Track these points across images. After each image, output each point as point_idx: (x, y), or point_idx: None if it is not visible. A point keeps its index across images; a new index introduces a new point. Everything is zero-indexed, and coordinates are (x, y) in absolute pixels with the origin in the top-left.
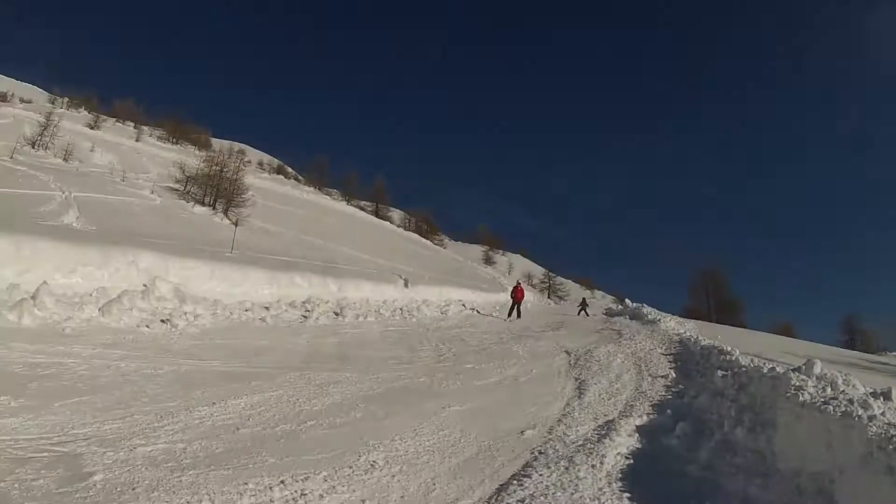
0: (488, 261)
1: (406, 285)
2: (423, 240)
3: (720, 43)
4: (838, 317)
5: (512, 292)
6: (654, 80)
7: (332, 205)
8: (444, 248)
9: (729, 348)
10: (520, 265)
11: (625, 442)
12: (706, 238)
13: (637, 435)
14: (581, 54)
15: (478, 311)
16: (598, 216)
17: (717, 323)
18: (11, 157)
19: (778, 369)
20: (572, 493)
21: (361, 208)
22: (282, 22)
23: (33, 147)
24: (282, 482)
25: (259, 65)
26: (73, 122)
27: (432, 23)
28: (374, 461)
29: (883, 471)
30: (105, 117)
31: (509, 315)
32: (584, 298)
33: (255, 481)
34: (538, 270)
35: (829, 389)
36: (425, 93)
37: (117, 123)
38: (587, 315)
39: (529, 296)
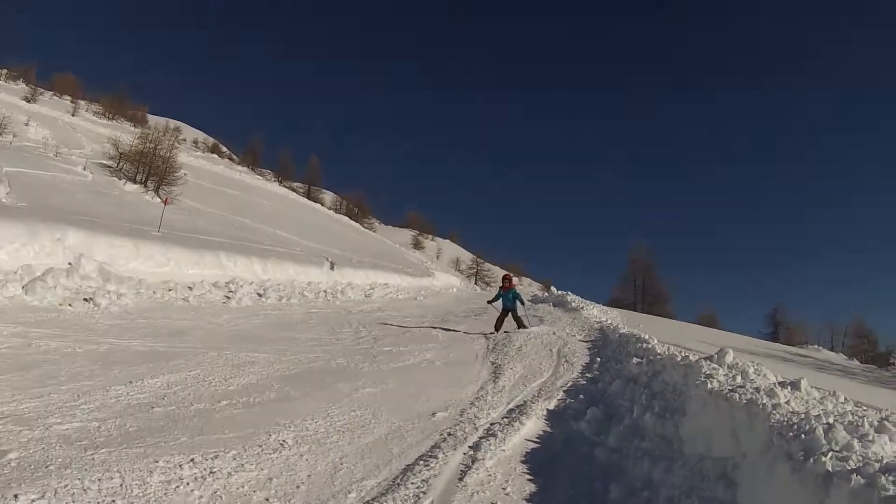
0: (417, 245)
1: (332, 268)
2: (354, 223)
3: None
4: (766, 310)
5: (510, 283)
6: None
7: (265, 185)
8: (374, 231)
9: (647, 336)
10: (449, 251)
11: (535, 425)
12: (637, 227)
13: (548, 418)
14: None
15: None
16: (529, 202)
17: (644, 313)
18: None
19: (691, 357)
20: (478, 474)
21: (294, 189)
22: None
23: None
24: (192, 460)
25: (201, 42)
26: (9, 95)
27: None
28: (283, 440)
29: (782, 457)
30: (43, 91)
31: (496, 327)
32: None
33: (166, 459)
34: (467, 256)
35: (738, 378)
36: (363, 69)
37: (55, 97)
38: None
39: (455, 280)
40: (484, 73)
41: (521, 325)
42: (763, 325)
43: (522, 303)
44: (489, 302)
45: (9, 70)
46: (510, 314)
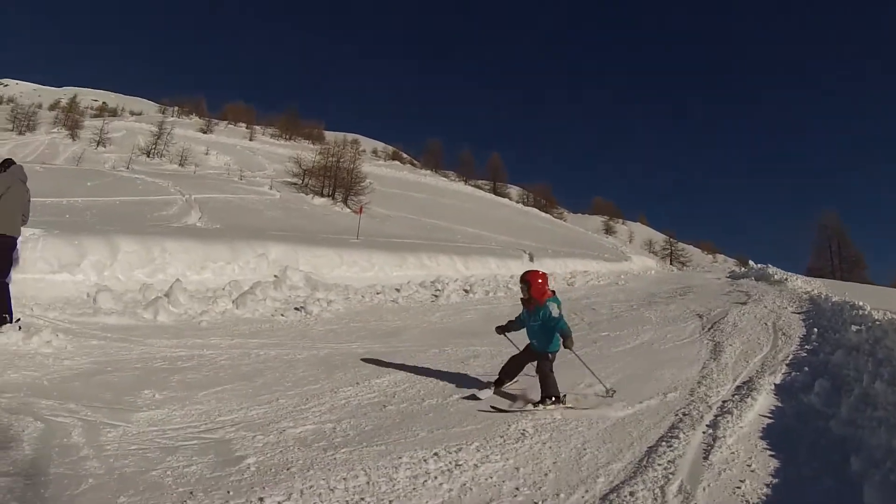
0: (608, 231)
1: (531, 259)
2: (543, 214)
3: None
4: None
5: (528, 294)
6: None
7: (450, 186)
8: (564, 220)
9: (860, 303)
10: (640, 233)
11: (766, 401)
12: (821, 188)
13: (776, 393)
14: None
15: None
16: (714, 176)
17: (842, 280)
18: (128, 168)
19: None
20: (721, 452)
21: (479, 187)
22: (383, 8)
23: (148, 156)
24: (435, 454)
25: (366, 56)
26: (185, 129)
27: None
28: (524, 430)
29: None
30: (216, 121)
31: (500, 378)
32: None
33: (410, 455)
34: (659, 237)
35: None
36: (535, 66)
37: (229, 125)
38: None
39: (651, 262)
40: (658, 60)
41: (545, 386)
42: None
43: (564, 333)
44: (500, 329)
45: (180, 106)
46: (538, 359)
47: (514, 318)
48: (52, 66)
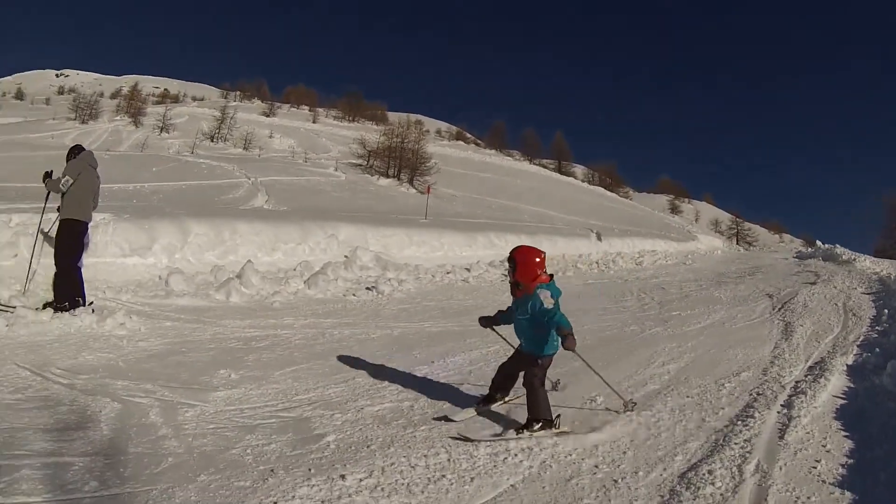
0: (674, 210)
1: (599, 238)
2: (609, 193)
3: None
4: None
5: (515, 280)
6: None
7: (515, 165)
8: (630, 199)
9: None
10: (706, 212)
11: (838, 381)
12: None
13: (848, 374)
14: None
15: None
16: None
17: None
18: (193, 152)
19: None
20: (797, 433)
21: (543, 166)
22: None
23: (212, 140)
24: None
25: (426, 33)
26: (248, 113)
27: None
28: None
29: None
30: (279, 104)
31: (490, 393)
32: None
33: (489, 432)
34: (725, 217)
35: None
36: (600, 44)
37: (292, 109)
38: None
39: (717, 242)
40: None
41: (532, 405)
42: None
43: (563, 329)
44: (485, 322)
45: (242, 91)
46: (525, 366)
47: (504, 309)
48: (111, 56)
